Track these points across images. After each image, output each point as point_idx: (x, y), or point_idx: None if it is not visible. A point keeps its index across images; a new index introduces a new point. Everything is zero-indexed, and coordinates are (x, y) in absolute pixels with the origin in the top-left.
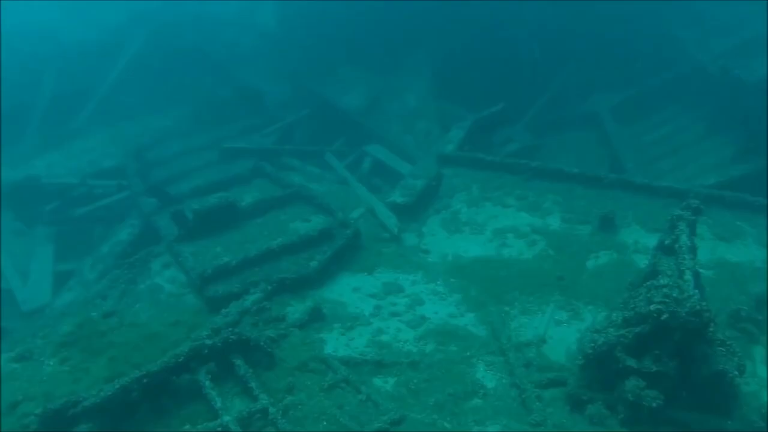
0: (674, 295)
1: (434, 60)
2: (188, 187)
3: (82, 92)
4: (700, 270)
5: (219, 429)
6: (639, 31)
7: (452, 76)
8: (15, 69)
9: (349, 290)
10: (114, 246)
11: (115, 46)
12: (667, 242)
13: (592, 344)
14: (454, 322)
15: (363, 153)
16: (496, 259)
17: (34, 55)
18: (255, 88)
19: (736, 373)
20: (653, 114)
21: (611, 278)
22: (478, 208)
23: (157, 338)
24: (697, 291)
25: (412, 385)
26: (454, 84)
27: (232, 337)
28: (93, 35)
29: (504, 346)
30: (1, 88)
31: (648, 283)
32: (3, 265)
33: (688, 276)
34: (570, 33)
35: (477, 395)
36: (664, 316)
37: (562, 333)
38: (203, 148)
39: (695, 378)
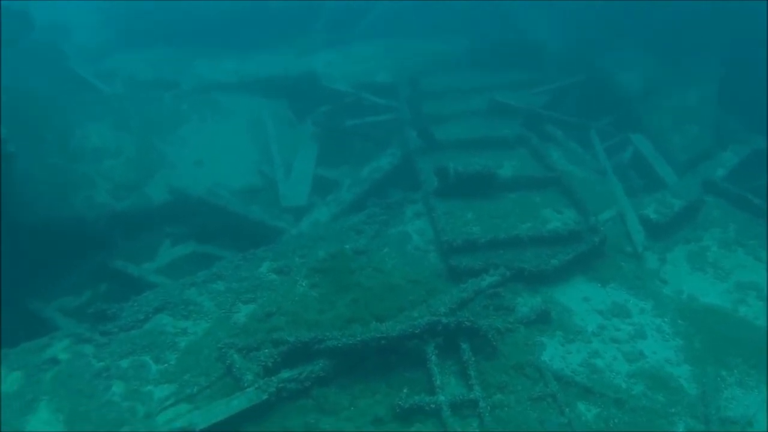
0: None
1: (727, 58)
2: (454, 136)
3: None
4: None
5: (432, 405)
6: None
7: (743, 83)
8: None
9: (579, 298)
10: (373, 171)
11: None
12: None
13: None
14: (669, 369)
15: (626, 140)
16: (730, 314)
17: None
18: (536, 40)
19: None
20: None
21: None
22: (728, 252)
23: (397, 291)
24: None
25: (612, 423)
26: (743, 92)
27: (466, 323)
28: None
29: (710, 416)
30: None
31: None
32: (274, 155)
33: None
34: None
35: None
36: None
37: None
38: (474, 90)
39: None
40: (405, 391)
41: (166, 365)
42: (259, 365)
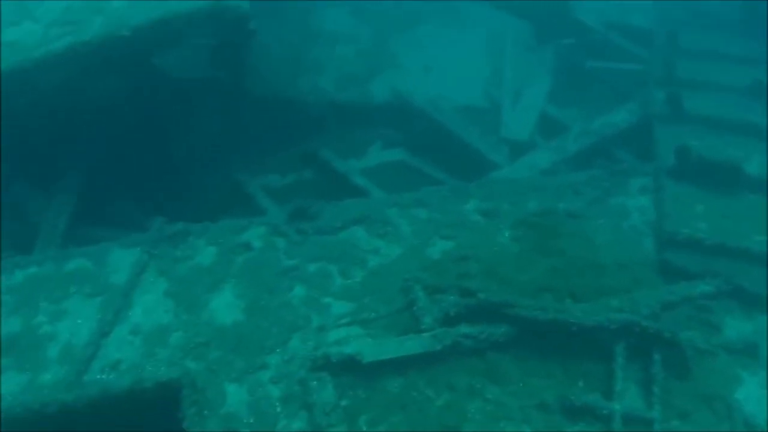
0: None
1: None
2: (704, 111)
3: None
4: None
5: (605, 411)
6: None
7: None
8: None
9: None
10: (605, 126)
11: None
12: None
13: None
14: None
15: None
16: None
17: None
18: None
19: None
20: None
21: None
22: None
23: (601, 271)
24: None
25: None
26: None
27: (666, 334)
28: None
29: None
30: None
31: None
32: (505, 78)
33: None
34: None
35: None
36: None
37: None
38: (738, 60)
39: None
40: (580, 384)
41: (350, 281)
42: (441, 311)
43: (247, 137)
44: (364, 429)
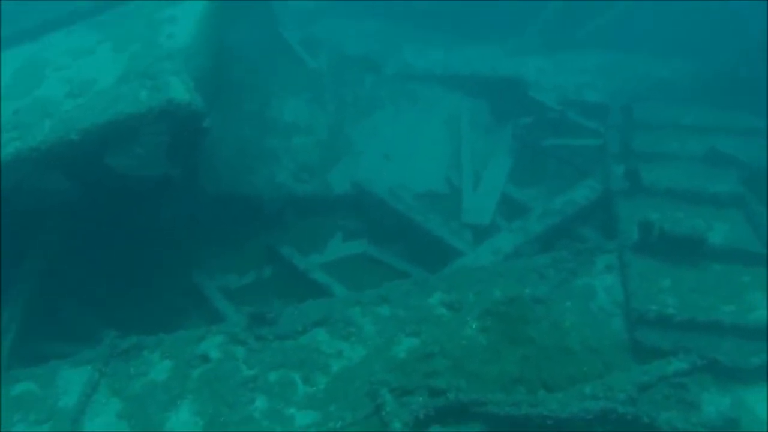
0: None
1: None
2: (663, 183)
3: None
4: None
5: None
6: None
7: None
8: None
9: None
10: (566, 204)
11: None
12: None
13: None
14: None
15: None
16: None
17: None
18: None
19: None
20: None
21: None
22: None
23: (572, 357)
24: None
25: None
26: None
27: (645, 419)
28: None
29: None
30: None
31: None
32: (464, 162)
33: None
34: None
35: None
36: None
37: None
38: (692, 129)
39: None
40: None
41: (314, 389)
42: (410, 414)
43: (204, 235)
44: None
